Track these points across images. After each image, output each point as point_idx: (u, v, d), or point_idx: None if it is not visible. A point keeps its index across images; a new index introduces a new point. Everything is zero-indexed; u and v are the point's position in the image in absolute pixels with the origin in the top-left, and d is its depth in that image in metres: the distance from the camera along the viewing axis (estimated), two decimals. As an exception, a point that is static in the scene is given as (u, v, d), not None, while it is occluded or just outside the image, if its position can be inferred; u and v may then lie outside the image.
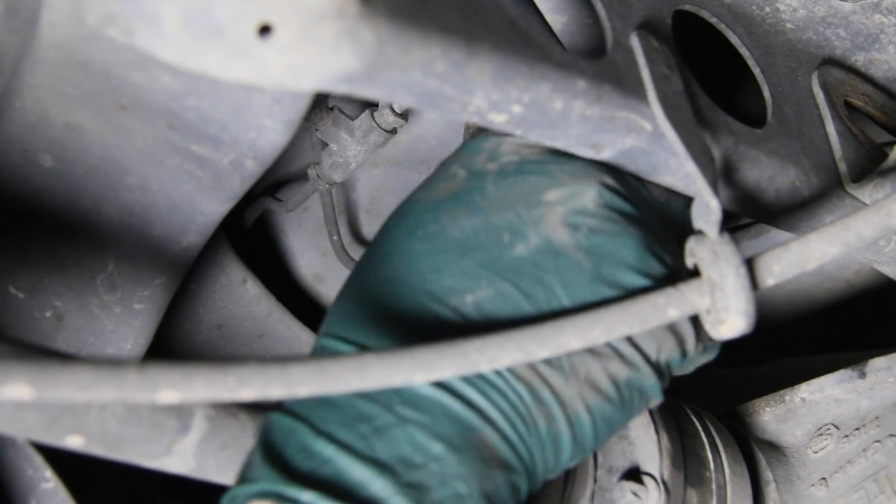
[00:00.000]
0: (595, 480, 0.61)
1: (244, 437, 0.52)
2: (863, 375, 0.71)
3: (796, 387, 0.73)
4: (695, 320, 0.53)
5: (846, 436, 0.71)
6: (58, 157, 0.65)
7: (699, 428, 0.68)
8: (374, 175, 1.05)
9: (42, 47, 0.56)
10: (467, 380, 0.47)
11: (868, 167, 0.64)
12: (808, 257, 0.48)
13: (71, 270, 0.71)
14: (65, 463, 0.68)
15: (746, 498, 0.67)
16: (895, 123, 0.70)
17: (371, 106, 0.90)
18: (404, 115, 0.88)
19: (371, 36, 0.38)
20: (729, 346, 0.56)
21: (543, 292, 0.49)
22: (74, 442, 0.47)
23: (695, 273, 0.50)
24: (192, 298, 0.94)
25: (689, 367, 0.56)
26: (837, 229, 0.47)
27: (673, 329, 0.52)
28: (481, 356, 0.43)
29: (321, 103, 0.92)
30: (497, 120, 0.46)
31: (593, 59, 0.49)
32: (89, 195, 0.68)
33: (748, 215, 0.62)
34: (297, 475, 0.45)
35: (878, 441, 0.69)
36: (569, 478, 0.61)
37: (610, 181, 0.53)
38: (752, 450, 0.73)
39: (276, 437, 0.47)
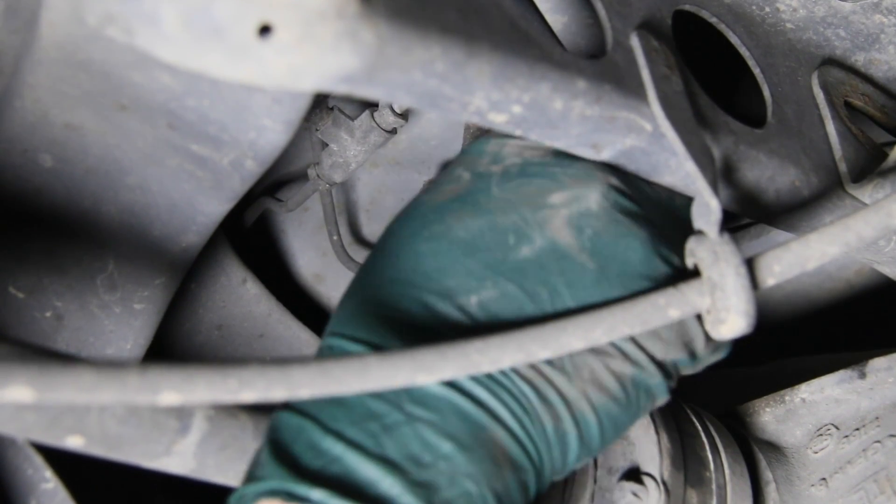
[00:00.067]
0: (595, 481, 0.61)
1: (244, 438, 0.52)
2: (863, 376, 0.71)
3: (796, 387, 0.73)
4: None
5: (846, 436, 0.71)
6: (58, 157, 0.65)
7: (699, 428, 0.68)
8: (374, 175, 1.05)
9: (42, 47, 0.56)
10: (476, 378, 0.47)
11: (868, 167, 0.64)
12: (809, 257, 0.48)
13: (71, 270, 0.71)
14: (65, 463, 0.68)
15: (746, 498, 0.67)
16: (895, 123, 0.70)
17: (371, 106, 0.90)
18: (404, 116, 0.88)
19: (371, 36, 0.38)
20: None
21: (548, 293, 0.49)
22: (74, 442, 0.47)
23: (695, 273, 0.50)
24: (192, 298, 0.94)
25: (699, 367, 0.56)
26: (837, 229, 0.47)
27: (680, 329, 0.52)
28: (483, 357, 0.43)
29: (321, 103, 0.92)
30: (497, 120, 0.46)
31: (593, 59, 0.49)
32: (89, 195, 0.68)
33: (748, 215, 0.62)
34: (306, 473, 0.45)
35: (878, 441, 0.69)
36: (569, 478, 0.61)
37: (615, 181, 0.53)
38: (752, 450, 0.73)
39: (285, 435, 0.47)
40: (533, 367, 0.48)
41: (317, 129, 0.92)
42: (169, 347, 0.92)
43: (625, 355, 0.50)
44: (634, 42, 0.53)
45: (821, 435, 0.73)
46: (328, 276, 1.10)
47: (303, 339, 0.97)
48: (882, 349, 0.73)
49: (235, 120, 0.60)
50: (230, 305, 0.96)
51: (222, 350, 0.96)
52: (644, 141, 0.52)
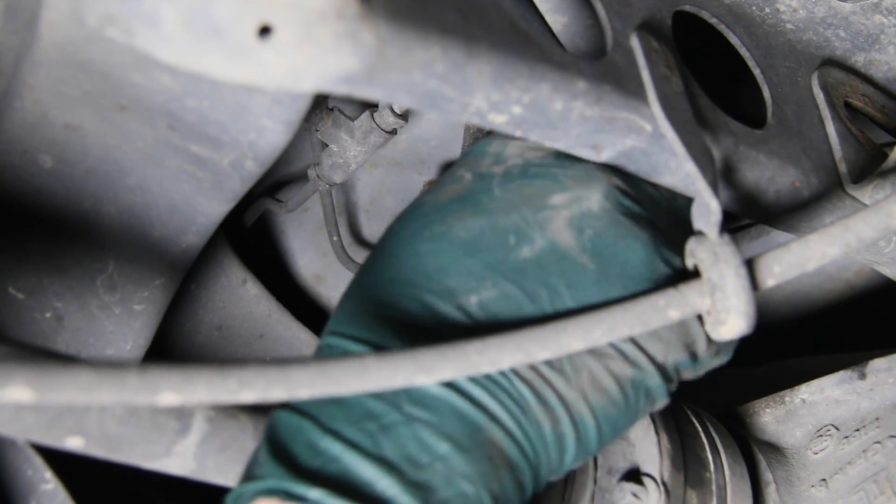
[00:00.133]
0: (595, 481, 0.61)
1: (244, 439, 0.52)
2: (863, 376, 0.71)
3: (796, 388, 0.73)
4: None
5: (846, 437, 0.71)
6: (58, 157, 0.65)
7: (699, 429, 0.68)
8: (374, 176, 1.05)
9: (42, 48, 0.56)
10: (474, 379, 0.47)
11: (868, 168, 0.64)
12: (808, 258, 0.48)
13: (71, 271, 0.71)
14: (65, 464, 0.68)
15: (746, 499, 0.67)
16: (895, 124, 0.70)
17: (371, 107, 0.90)
18: (404, 116, 0.88)
19: (371, 37, 0.38)
20: (729, 347, 0.56)
21: (548, 294, 0.49)
22: (74, 443, 0.47)
23: (695, 274, 0.50)
24: (192, 299, 0.94)
25: (702, 371, 0.56)
26: (837, 230, 0.47)
27: (681, 330, 0.52)
28: (482, 358, 0.43)
29: (321, 104, 0.92)
30: (497, 121, 0.46)
31: (593, 60, 0.49)
32: (89, 196, 0.68)
33: (748, 216, 0.62)
34: (304, 472, 0.45)
35: (878, 442, 0.69)
36: (569, 479, 0.61)
37: (617, 182, 0.53)
38: (752, 451, 0.73)
39: (283, 434, 0.47)
40: (532, 368, 0.48)
41: (317, 130, 0.92)
42: (169, 348, 0.92)
43: (624, 357, 0.50)
44: (634, 43, 0.53)
45: (821, 436, 0.73)
46: (328, 277, 1.10)
47: (303, 339, 0.97)
48: (882, 350, 0.73)
49: (235, 121, 0.60)
50: (230, 306, 0.96)
51: (222, 351, 0.96)
52: (644, 142, 0.52)
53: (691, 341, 0.52)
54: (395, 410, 0.46)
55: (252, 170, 0.65)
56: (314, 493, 0.44)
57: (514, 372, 0.47)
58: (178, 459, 0.51)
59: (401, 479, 0.44)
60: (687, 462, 0.64)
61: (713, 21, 0.64)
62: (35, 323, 0.71)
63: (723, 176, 0.57)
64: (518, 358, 0.43)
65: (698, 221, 0.51)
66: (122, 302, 0.74)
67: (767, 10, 0.67)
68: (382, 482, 0.44)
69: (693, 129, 0.51)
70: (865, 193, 0.62)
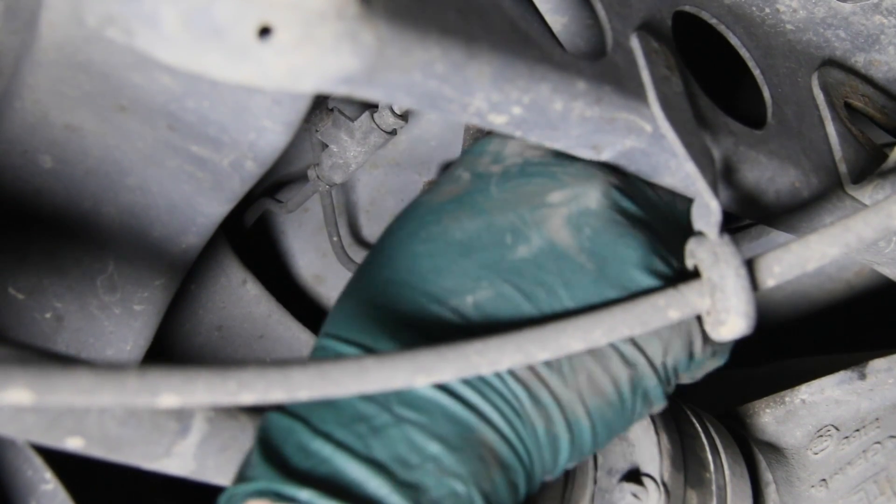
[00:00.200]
0: (595, 482, 0.61)
1: (244, 439, 0.52)
2: (863, 377, 0.71)
3: (796, 388, 0.73)
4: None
5: (846, 437, 0.71)
6: (58, 158, 0.65)
7: (699, 429, 0.68)
8: (374, 176, 1.05)
9: (42, 48, 0.56)
10: (465, 381, 0.47)
11: (868, 168, 0.64)
12: (808, 258, 0.48)
13: (71, 271, 0.71)
14: (65, 464, 0.68)
15: (746, 499, 0.67)
16: (895, 124, 0.70)
17: (371, 107, 0.90)
18: (404, 117, 0.88)
19: (371, 37, 0.38)
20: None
21: (545, 293, 0.49)
22: (74, 444, 0.47)
23: (695, 274, 0.50)
24: (192, 299, 0.94)
25: (699, 373, 0.56)
26: (837, 230, 0.47)
27: (680, 330, 0.51)
28: (481, 358, 0.43)
29: (321, 105, 0.92)
30: (497, 121, 0.46)
31: (593, 61, 0.49)
32: (89, 196, 0.68)
33: (748, 216, 0.62)
34: (294, 474, 0.45)
35: (878, 442, 0.69)
36: (569, 479, 0.61)
37: (615, 181, 0.53)
38: (752, 451, 0.73)
39: (275, 436, 0.47)
40: (529, 367, 0.48)
41: (317, 131, 0.92)
42: (169, 348, 0.92)
43: (623, 358, 0.50)
44: (634, 43, 0.53)
45: (821, 436, 0.73)
46: (328, 277, 1.10)
47: (303, 340, 0.97)
48: (882, 350, 0.73)
49: (235, 121, 0.60)
50: (230, 306, 0.96)
51: (222, 351, 0.96)
52: (644, 142, 0.52)
53: (690, 342, 0.52)
54: (385, 412, 0.46)
55: (252, 170, 0.65)
56: (304, 493, 0.44)
57: (510, 372, 0.47)
58: (178, 460, 0.51)
59: (391, 479, 0.44)
60: (687, 462, 0.64)
61: (713, 21, 0.64)
62: (35, 323, 0.71)
63: (723, 176, 0.57)
64: (517, 359, 0.43)
65: (698, 222, 0.51)
66: (122, 302, 0.74)
67: (767, 10, 0.67)
68: (373, 482, 0.44)
69: (693, 129, 0.51)
70: (865, 194, 0.62)
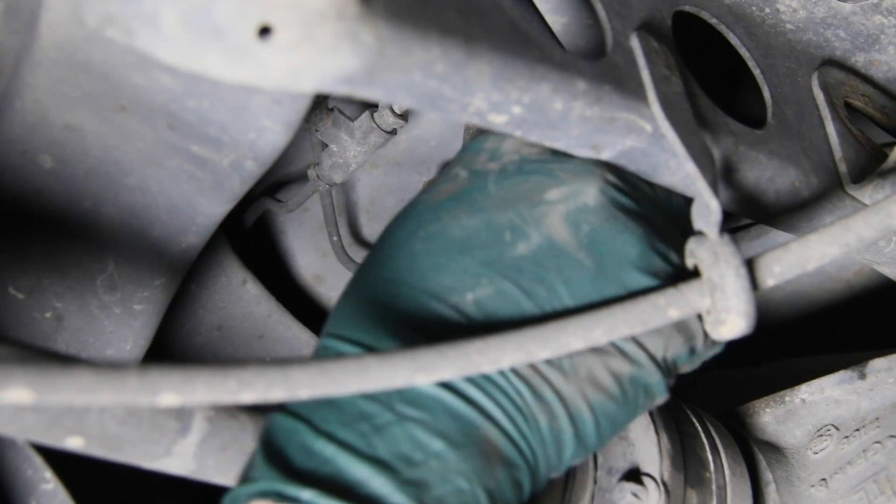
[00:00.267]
0: (595, 481, 0.61)
1: (244, 438, 0.52)
2: (863, 376, 0.71)
3: (796, 388, 0.73)
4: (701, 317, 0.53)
5: (846, 437, 0.71)
6: (58, 157, 0.65)
7: (699, 429, 0.68)
8: (374, 176, 1.05)
9: (42, 48, 0.56)
10: (469, 378, 0.47)
11: (868, 168, 0.64)
12: (808, 258, 0.48)
13: (71, 271, 0.71)
14: (65, 464, 0.68)
15: (746, 499, 0.67)
16: (895, 124, 0.70)
17: (371, 107, 0.90)
18: (404, 116, 0.88)
19: (371, 37, 0.38)
20: (729, 347, 0.56)
21: (545, 291, 0.49)
22: (74, 443, 0.47)
23: (695, 273, 0.50)
24: (192, 299, 0.94)
25: (698, 362, 0.56)
26: (837, 230, 0.47)
27: (681, 327, 0.52)
28: (482, 357, 0.43)
29: (321, 104, 0.92)
30: (497, 121, 0.46)
31: (593, 60, 0.49)
32: (89, 196, 0.68)
33: (748, 216, 0.62)
34: (297, 474, 0.45)
35: (878, 442, 0.69)
36: (569, 478, 0.61)
37: (612, 178, 0.53)
38: (752, 450, 0.73)
39: (278, 437, 0.47)
40: (530, 365, 0.48)
41: (317, 130, 0.92)
42: (169, 348, 0.92)
43: (623, 354, 0.50)
44: (634, 43, 0.53)
45: (821, 435, 0.73)
46: (328, 277, 1.10)
47: (303, 339, 0.97)
48: (882, 349, 0.73)
49: (235, 121, 0.60)
50: (230, 306, 0.96)
51: (222, 351, 0.96)
52: (644, 142, 0.52)
53: (690, 336, 0.52)
54: (387, 411, 0.46)
55: (252, 170, 0.65)
56: (306, 493, 0.44)
57: (512, 369, 0.47)
58: (178, 459, 0.51)
59: (394, 477, 0.44)
60: (687, 462, 0.64)
61: (713, 21, 0.64)
62: (35, 323, 0.71)
63: (723, 176, 0.57)
64: (518, 357, 0.43)
65: (698, 221, 0.51)
66: (122, 302, 0.74)
67: (767, 10, 0.67)
68: (376, 481, 0.44)
69: (693, 129, 0.51)
70: (865, 193, 0.62)
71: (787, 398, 0.74)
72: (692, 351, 0.53)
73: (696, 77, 0.57)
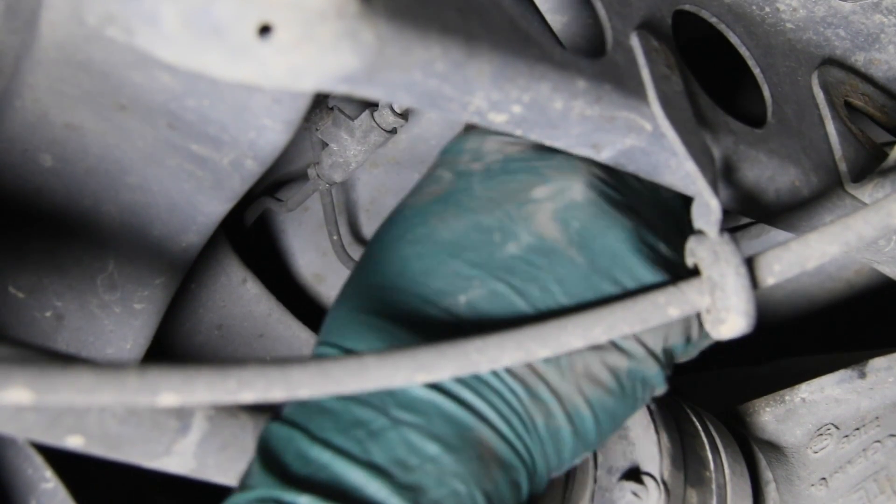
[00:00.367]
0: (595, 480, 0.61)
1: (244, 437, 0.52)
2: (863, 375, 0.71)
3: (796, 387, 0.73)
4: None
5: (846, 436, 0.71)
6: (58, 156, 0.65)
7: (699, 428, 0.68)
8: (374, 175, 1.05)
9: (42, 47, 0.56)
10: (461, 380, 0.47)
11: (868, 167, 0.64)
12: (808, 257, 0.48)
13: (71, 270, 0.71)
14: (65, 463, 0.68)
15: (746, 498, 0.67)
16: (895, 123, 0.70)
17: (371, 106, 0.90)
18: (404, 115, 0.88)
19: (371, 36, 0.38)
20: (729, 346, 0.56)
21: (538, 289, 0.49)
22: (74, 442, 0.47)
23: (695, 272, 0.50)
24: (192, 298, 0.94)
25: (693, 352, 0.56)
26: (837, 229, 0.47)
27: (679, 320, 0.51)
28: (482, 356, 0.43)
29: (321, 103, 0.92)
30: (497, 120, 0.46)
31: (593, 59, 0.49)
32: (89, 195, 0.68)
33: (748, 215, 0.62)
34: (294, 481, 0.45)
35: (878, 441, 0.69)
36: (569, 478, 0.61)
37: (598, 172, 0.53)
38: (752, 450, 0.73)
39: (275, 445, 0.47)
40: (525, 364, 0.48)
41: (317, 129, 0.92)
42: (169, 347, 0.92)
43: (620, 348, 0.50)
44: (634, 42, 0.53)
45: (821, 435, 0.73)
46: (328, 276, 1.10)
47: (302, 338, 0.98)
48: (882, 349, 0.73)
49: (235, 120, 0.60)
50: (230, 305, 0.96)
51: (222, 350, 0.96)
52: (644, 141, 0.52)
53: (688, 327, 0.52)
54: (382, 416, 0.46)
55: (252, 169, 0.65)
56: (304, 499, 0.44)
57: (506, 369, 0.47)
58: (179, 458, 0.51)
59: (390, 481, 0.44)
60: (687, 461, 0.64)
61: (713, 20, 0.64)
62: (35, 322, 0.71)
63: (723, 175, 0.57)
64: (518, 356, 0.43)
65: (698, 220, 0.51)
66: (123, 301, 0.74)
67: (767, 9, 0.67)
68: (372, 486, 0.44)
69: (693, 128, 0.51)
70: (865, 192, 0.62)
71: (787, 397, 0.74)
72: (688, 340, 0.53)
73: (696, 76, 0.57)
